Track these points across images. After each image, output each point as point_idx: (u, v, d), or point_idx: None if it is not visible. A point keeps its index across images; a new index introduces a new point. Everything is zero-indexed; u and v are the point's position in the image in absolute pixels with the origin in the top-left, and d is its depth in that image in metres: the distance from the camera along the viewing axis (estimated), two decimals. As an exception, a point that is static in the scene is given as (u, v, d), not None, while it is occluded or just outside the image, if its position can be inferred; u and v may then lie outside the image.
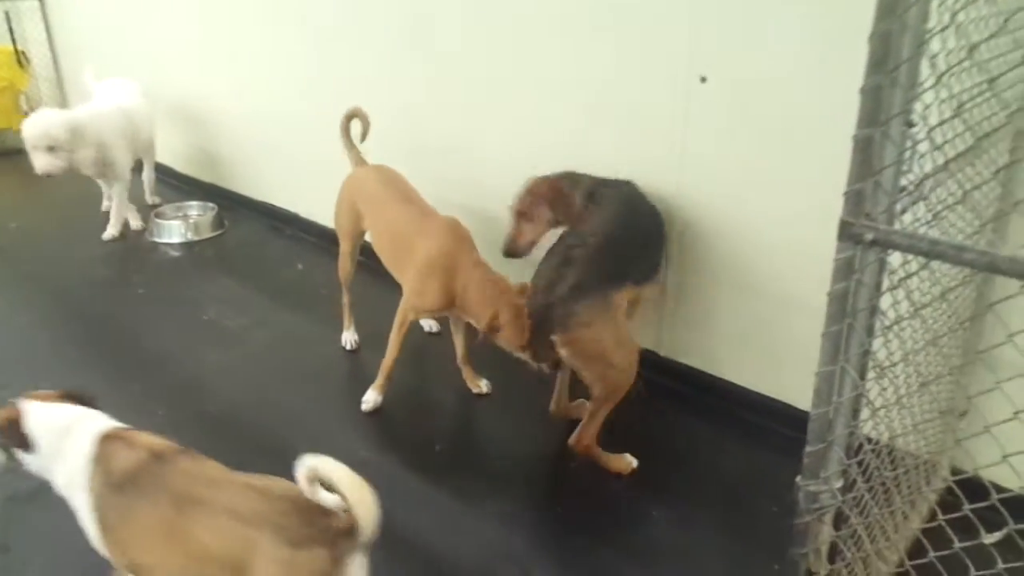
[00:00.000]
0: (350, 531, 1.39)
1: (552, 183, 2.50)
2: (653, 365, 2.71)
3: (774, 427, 2.49)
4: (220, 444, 2.51)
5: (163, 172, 4.97)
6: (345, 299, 3.05)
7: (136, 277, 3.76)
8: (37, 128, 3.73)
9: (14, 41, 5.73)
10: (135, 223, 4.30)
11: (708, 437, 2.57)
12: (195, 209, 4.43)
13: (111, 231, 4.18)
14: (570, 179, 2.53)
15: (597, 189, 2.45)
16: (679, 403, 2.71)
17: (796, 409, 2.44)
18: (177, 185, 4.99)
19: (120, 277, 3.78)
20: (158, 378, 2.87)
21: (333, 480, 1.37)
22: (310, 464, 1.37)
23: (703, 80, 2.34)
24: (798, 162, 2.25)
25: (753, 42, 2.24)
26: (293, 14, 3.74)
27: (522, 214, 2.52)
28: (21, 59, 5.78)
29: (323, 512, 1.40)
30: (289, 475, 2.30)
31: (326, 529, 1.39)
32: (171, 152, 5.01)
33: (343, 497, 1.37)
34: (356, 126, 2.93)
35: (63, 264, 3.98)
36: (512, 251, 2.55)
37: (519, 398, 2.77)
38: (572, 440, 2.37)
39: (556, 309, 2.18)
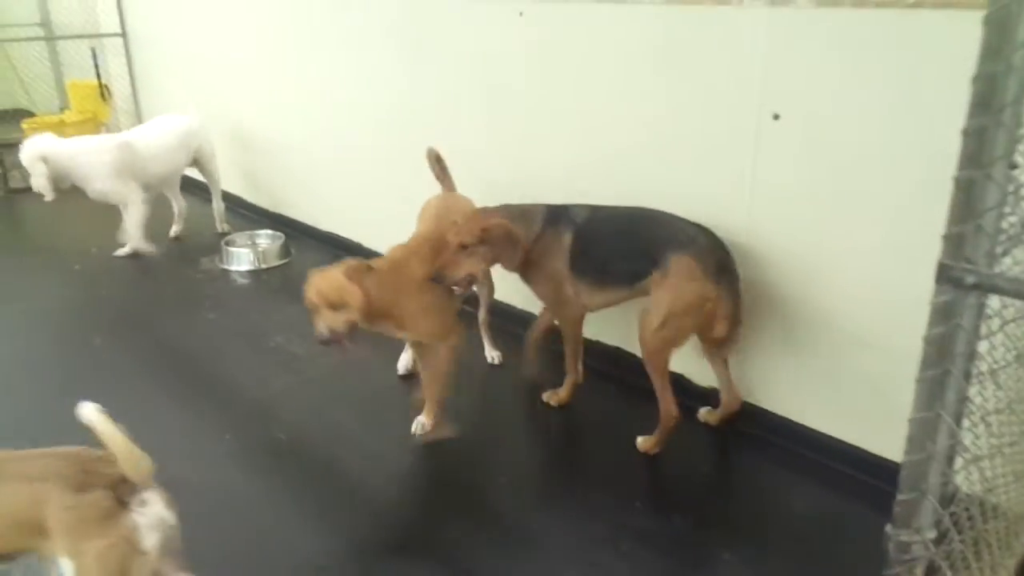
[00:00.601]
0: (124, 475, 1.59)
1: (506, 228, 2.54)
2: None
3: (849, 472, 2.42)
4: (285, 468, 2.58)
5: (233, 201, 5.16)
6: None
7: (207, 303, 3.87)
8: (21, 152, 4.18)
9: (99, 76, 6.05)
10: (140, 246, 4.43)
11: (779, 480, 2.50)
12: (263, 238, 4.57)
13: (125, 250, 4.43)
14: (518, 213, 2.61)
15: (565, 211, 2.60)
16: (748, 445, 2.66)
17: (869, 453, 2.38)
18: (245, 214, 5.16)
19: (192, 303, 3.90)
20: (227, 402, 2.95)
21: (99, 433, 1.55)
22: (86, 417, 1.55)
23: (776, 117, 2.33)
24: (875, 200, 2.21)
25: (827, 81, 2.22)
26: (359, 52, 3.86)
27: (464, 248, 2.53)
28: (104, 92, 6.10)
29: (104, 461, 1.60)
30: (347, 501, 2.35)
31: (106, 475, 1.59)
32: (241, 182, 5.20)
33: (109, 449, 1.56)
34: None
35: (137, 289, 4.15)
36: (440, 278, 2.52)
37: (592, 433, 2.76)
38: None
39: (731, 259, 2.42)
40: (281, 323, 3.59)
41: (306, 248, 4.54)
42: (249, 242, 4.51)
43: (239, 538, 2.24)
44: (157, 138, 4.44)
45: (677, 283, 2.35)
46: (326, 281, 2.31)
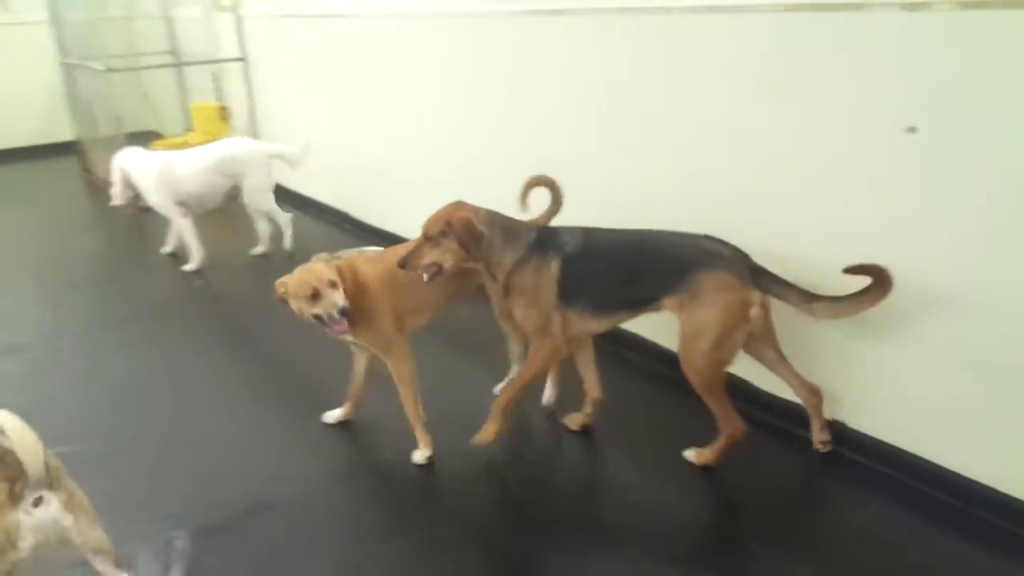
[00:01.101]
0: (23, 472, 1.60)
1: (467, 220, 2.45)
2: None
3: (994, 521, 2.21)
4: (392, 489, 2.59)
5: (340, 218, 5.34)
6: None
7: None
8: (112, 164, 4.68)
9: (219, 98, 6.39)
10: (199, 261, 4.75)
11: (890, 518, 2.32)
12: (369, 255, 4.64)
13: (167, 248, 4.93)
14: (506, 226, 2.51)
15: (554, 237, 2.49)
16: (857, 477, 2.49)
17: (1002, 494, 2.17)
18: (351, 229, 5.31)
19: (296, 320, 4.02)
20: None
21: (8, 432, 1.57)
22: None
23: (911, 130, 2.14)
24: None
25: (973, 90, 2.03)
26: (468, 72, 3.90)
27: (428, 239, 2.50)
28: (223, 114, 6.43)
29: (10, 456, 1.60)
30: (453, 527, 2.32)
31: (8, 471, 1.60)
32: (349, 200, 5.36)
33: (10, 441, 1.58)
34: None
35: (252, 303, 4.30)
36: (403, 264, 2.54)
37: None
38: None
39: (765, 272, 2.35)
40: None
41: (410, 264, 4.59)
42: (354, 258, 4.60)
43: (346, 560, 2.26)
44: (195, 160, 4.65)
45: (720, 300, 2.28)
46: (316, 269, 2.45)
